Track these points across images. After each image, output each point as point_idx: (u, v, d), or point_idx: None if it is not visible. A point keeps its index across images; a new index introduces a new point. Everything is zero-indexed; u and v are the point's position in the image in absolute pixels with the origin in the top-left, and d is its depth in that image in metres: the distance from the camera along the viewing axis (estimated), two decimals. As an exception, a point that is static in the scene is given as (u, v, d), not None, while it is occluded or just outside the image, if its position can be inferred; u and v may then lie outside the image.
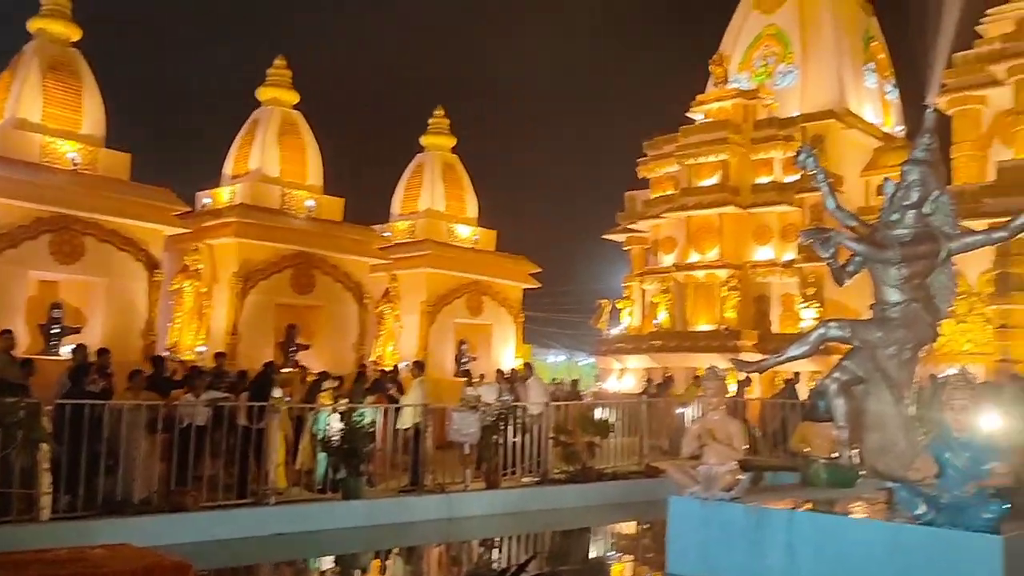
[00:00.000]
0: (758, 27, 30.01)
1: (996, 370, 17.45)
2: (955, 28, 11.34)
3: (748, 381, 20.77)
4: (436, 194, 24.79)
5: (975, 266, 22.04)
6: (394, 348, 22.76)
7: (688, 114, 30.27)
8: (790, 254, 27.21)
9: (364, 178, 30.86)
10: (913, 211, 8.92)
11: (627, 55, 60.61)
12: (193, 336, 19.44)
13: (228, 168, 21.76)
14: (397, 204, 25.38)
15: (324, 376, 14.84)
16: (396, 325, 23.00)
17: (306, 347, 20.23)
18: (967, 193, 21.70)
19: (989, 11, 26.94)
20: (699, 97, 29.88)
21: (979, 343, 22.76)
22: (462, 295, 23.62)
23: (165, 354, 16.99)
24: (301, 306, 20.56)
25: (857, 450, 8.83)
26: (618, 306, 31.89)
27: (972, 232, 9.49)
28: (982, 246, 9.41)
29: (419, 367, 15.92)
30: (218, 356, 16.00)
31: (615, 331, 31.70)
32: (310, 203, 21.16)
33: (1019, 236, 9.40)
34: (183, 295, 19.61)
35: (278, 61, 22.10)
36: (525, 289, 25.55)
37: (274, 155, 21.15)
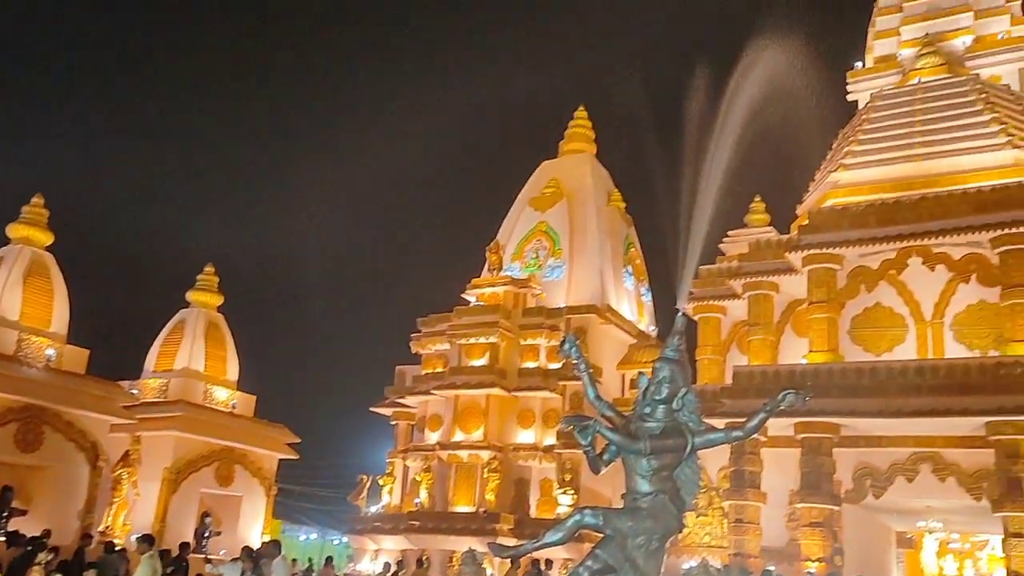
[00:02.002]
0: (532, 222, 32.09)
1: (729, 563, 18.41)
2: (702, 243, 12.60)
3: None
4: (196, 352, 23.54)
5: (715, 462, 23.63)
6: (127, 518, 20.59)
7: (463, 295, 31.24)
8: (550, 439, 27.96)
9: (122, 330, 28.90)
10: (663, 406, 9.42)
11: (412, 235, 62.47)
12: None
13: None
14: (152, 360, 23.81)
15: (38, 547, 13.05)
16: (132, 492, 20.94)
17: (23, 512, 17.84)
18: (708, 393, 23.49)
19: (730, 232, 30.47)
20: (474, 281, 31.04)
21: (716, 536, 24.07)
22: (212, 462, 22.11)
23: None
24: (22, 465, 18.31)
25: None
26: (379, 482, 31.02)
27: (714, 429, 10.12)
28: (722, 444, 10.02)
29: (148, 541, 14.38)
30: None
31: (374, 508, 30.65)
32: (50, 352, 19.35)
33: (752, 436, 10.16)
34: None
35: (35, 199, 20.76)
36: (281, 459, 24.32)
37: (15, 297, 19.33)
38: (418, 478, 29.24)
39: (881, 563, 23.93)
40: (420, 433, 30.96)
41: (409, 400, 31.41)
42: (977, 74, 28.70)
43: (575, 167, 32.82)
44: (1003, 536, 19.94)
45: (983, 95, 27.14)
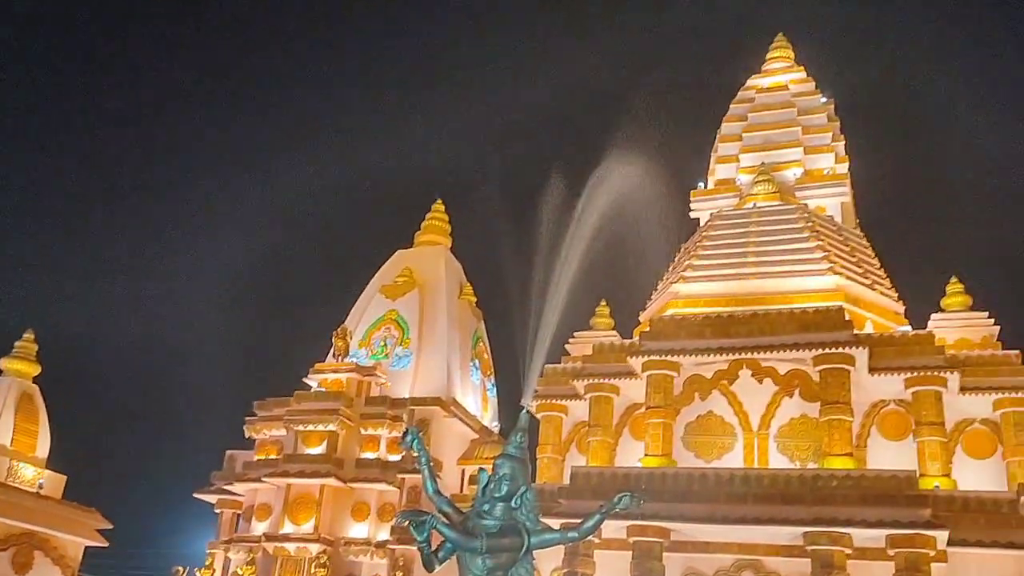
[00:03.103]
0: (382, 310, 31.84)
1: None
2: (549, 343, 12.84)
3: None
4: (3, 425, 21.68)
5: (549, 563, 23.51)
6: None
7: (305, 379, 30.34)
8: (384, 534, 27.15)
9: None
10: (502, 504, 9.38)
11: (258, 315, 60.41)
12: None
13: None
14: (-49, 430, 21.70)
15: None
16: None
17: None
18: (547, 492, 23.57)
19: (575, 333, 31.24)
20: (317, 365, 30.25)
21: (548, 639, 23.75)
22: (8, 547, 20.12)
23: None
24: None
25: None
26: (196, 574, 29.04)
27: (551, 529, 10.13)
28: (558, 544, 10.05)
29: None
30: None
31: (189, 603, 28.59)
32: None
33: (587, 538, 10.20)
34: None
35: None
36: (88, 546, 22.43)
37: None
38: (240, 571, 27.62)
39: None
40: (246, 523, 29.41)
41: (238, 487, 29.87)
42: (805, 204, 31.20)
43: (429, 258, 33.05)
44: (816, 644, 20.64)
45: (810, 223, 29.46)
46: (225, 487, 30.34)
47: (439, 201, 35.07)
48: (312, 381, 30.16)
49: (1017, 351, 24.95)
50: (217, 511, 31.18)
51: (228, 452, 31.42)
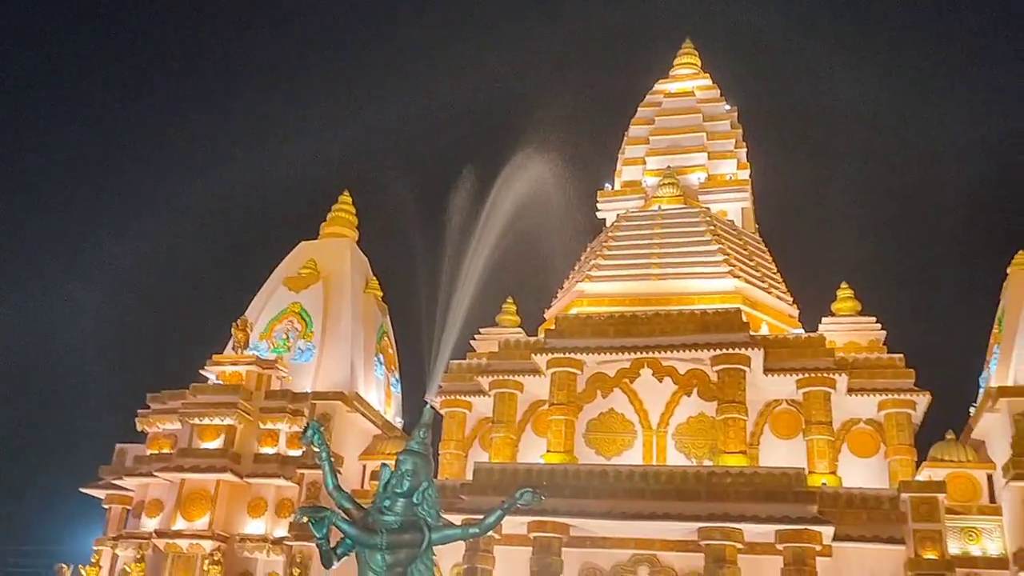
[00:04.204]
0: (285, 302, 31.13)
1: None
2: (455, 338, 12.82)
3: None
4: None
5: (449, 559, 23.52)
6: None
7: (202, 372, 29.45)
8: (282, 531, 26.62)
9: None
10: (403, 499, 9.34)
11: (155, 307, 58.20)
12: None
13: None
14: None
15: None
16: None
17: None
18: (449, 488, 23.57)
19: (481, 329, 31.29)
20: (215, 357, 29.40)
21: (445, 635, 23.75)
22: None
23: None
24: None
25: None
26: (83, 572, 27.90)
27: (452, 525, 10.13)
28: (459, 539, 10.05)
29: None
30: None
31: (72, 603, 27.42)
32: None
33: (488, 534, 10.23)
34: None
35: None
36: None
37: None
38: (128, 569, 26.65)
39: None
40: (136, 519, 28.38)
41: (128, 482, 28.80)
42: (708, 208, 32.06)
43: (335, 251, 32.49)
44: (708, 636, 21.25)
45: (711, 227, 30.29)
46: (114, 482, 29.23)
47: (346, 193, 34.46)
48: (210, 374, 29.30)
49: (901, 355, 26.23)
50: (106, 507, 30.01)
51: (118, 446, 30.26)
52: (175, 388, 29.04)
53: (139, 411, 29.51)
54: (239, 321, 30.04)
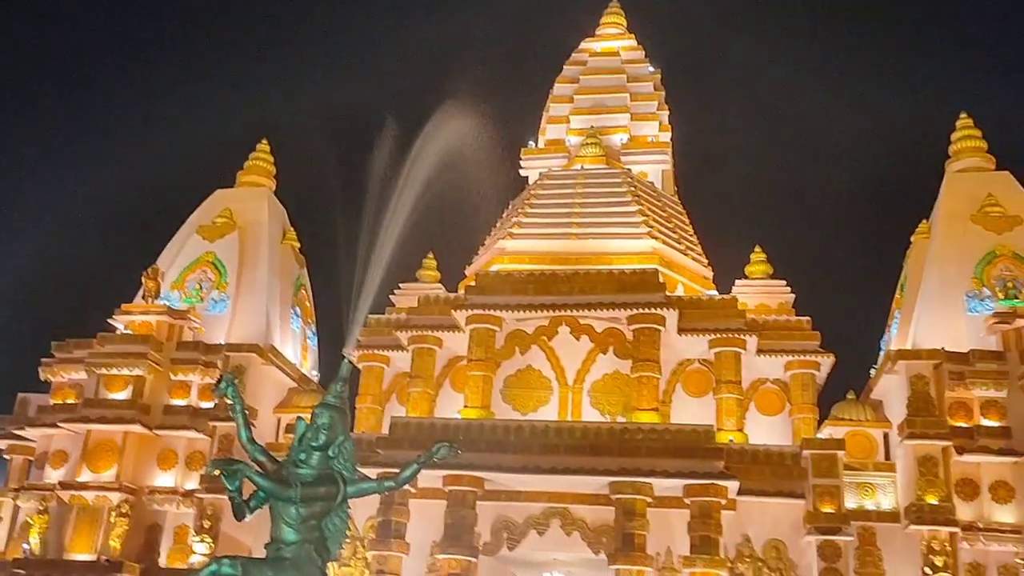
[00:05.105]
0: (198, 251, 30.27)
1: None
2: (374, 293, 12.73)
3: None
4: None
5: (363, 512, 23.60)
6: None
7: (110, 320, 28.56)
8: (192, 483, 26.22)
9: None
10: (319, 453, 9.29)
11: (62, 252, 55.85)
12: None
13: None
14: None
15: None
16: None
17: None
18: (364, 442, 23.53)
19: (401, 285, 31.12)
20: (124, 306, 28.52)
21: (358, 587, 23.89)
22: None
23: None
24: None
25: None
26: (-20, 525, 27.07)
27: (368, 479, 10.14)
28: (374, 493, 10.07)
29: None
30: None
31: (-31, 556, 26.61)
32: None
33: (404, 488, 10.28)
34: None
35: None
36: None
37: None
38: (31, 520, 25.96)
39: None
40: (39, 470, 27.59)
41: (30, 432, 27.91)
42: (629, 169, 32.37)
43: (251, 200, 31.66)
44: (615, 587, 21.92)
45: (632, 188, 30.63)
46: (16, 432, 28.29)
47: (264, 141, 33.50)
48: (119, 323, 28.44)
49: (808, 317, 27.18)
50: (7, 457, 29.06)
51: (20, 395, 29.24)
52: (82, 337, 28.13)
53: (43, 359, 28.50)
54: (150, 270, 29.16)
